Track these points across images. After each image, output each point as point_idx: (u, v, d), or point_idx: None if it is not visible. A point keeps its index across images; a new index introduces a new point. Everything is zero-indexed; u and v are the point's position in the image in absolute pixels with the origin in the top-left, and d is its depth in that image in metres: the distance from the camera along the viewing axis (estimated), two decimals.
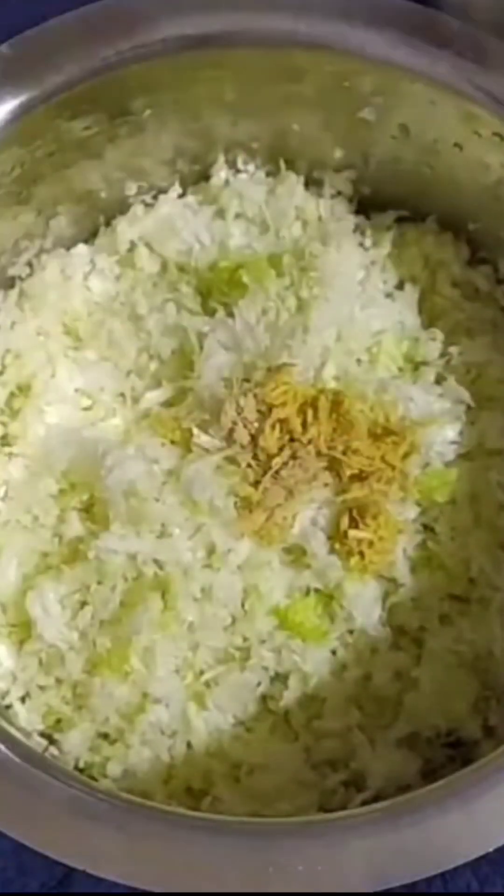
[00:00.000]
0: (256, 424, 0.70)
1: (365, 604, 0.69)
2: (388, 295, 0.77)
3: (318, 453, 0.69)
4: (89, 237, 0.80)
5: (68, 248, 0.79)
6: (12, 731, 0.62)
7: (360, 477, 0.70)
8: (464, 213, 0.77)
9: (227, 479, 0.69)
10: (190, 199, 0.80)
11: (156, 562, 0.68)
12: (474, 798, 0.56)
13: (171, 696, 0.67)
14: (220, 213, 0.79)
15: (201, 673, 0.68)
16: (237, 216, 0.78)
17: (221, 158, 0.79)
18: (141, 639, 0.66)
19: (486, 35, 0.69)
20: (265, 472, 0.69)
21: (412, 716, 0.68)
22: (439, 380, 0.75)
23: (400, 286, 0.78)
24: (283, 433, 0.70)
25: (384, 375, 0.75)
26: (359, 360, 0.75)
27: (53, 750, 0.67)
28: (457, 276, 0.79)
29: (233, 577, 0.68)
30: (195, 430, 0.70)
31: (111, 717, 0.67)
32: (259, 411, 0.70)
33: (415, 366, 0.76)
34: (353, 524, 0.69)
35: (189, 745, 0.68)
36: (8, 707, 0.68)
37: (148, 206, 0.79)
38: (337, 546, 0.69)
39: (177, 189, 0.80)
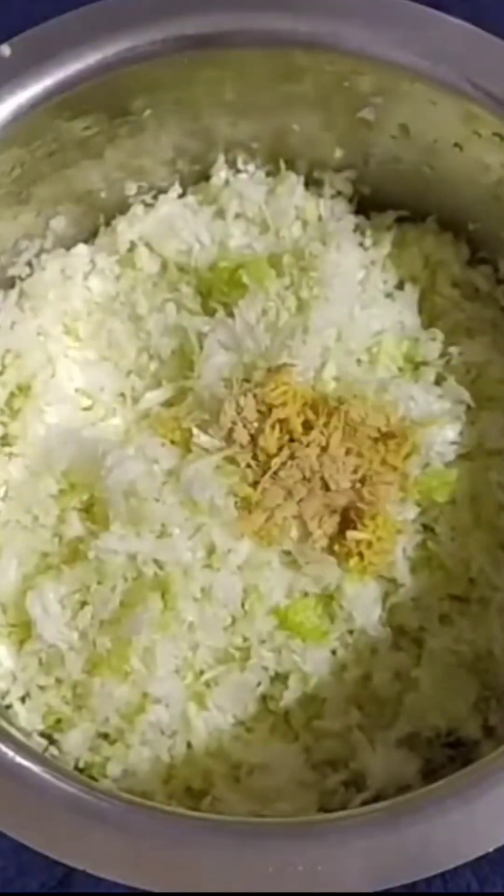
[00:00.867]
0: (256, 424, 0.70)
1: (365, 604, 0.70)
2: (388, 295, 0.77)
3: (318, 454, 0.69)
4: (89, 237, 0.80)
5: (68, 248, 0.79)
6: (12, 731, 0.62)
7: (360, 479, 0.70)
8: (464, 213, 0.77)
9: (226, 479, 0.69)
10: (190, 199, 0.80)
11: (156, 562, 0.68)
12: (474, 798, 0.56)
13: (171, 696, 0.67)
14: (220, 213, 0.79)
15: (201, 673, 0.68)
16: (237, 216, 0.78)
17: (221, 158, 0.79)
18: (141, 639, 0.66)
19: (486, 35, 0.69)
20: (265, 473, 0.69)
21: (412, 716, 0.68)
22: (439, 380, 0.75)
23: (400, 286, 0.78)
24: (282, 433, 0.70)
25: (384, 375, 0.75)
26: (359, 361, 0.75)
27: (53, 750, 0.67)
28: (457, 276, 0.79)
29: (233, 577, 0.68)
30: (195, 430, 0.70)
31: (111, 717, 0.67)
32: (259, 411, 0.70)
33: (415, 366, 0.76)
34: (352, 525, 0.69)
35: (189, 745, 0.68)
36: (8, 707, 0.68)
37: (148, 206, 0.79)
38: (336, 547, 0.69)
39: (177, 189, 0.80)
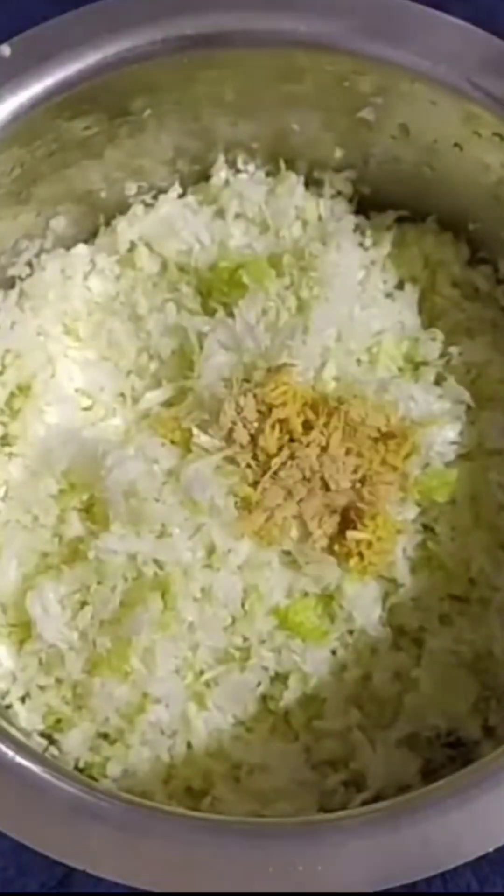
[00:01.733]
0: (256, 424, 0.70)
1: (365, 604, 0.70)
2: (388, 295, 0.78)
3: (318, 454, 0.69)
4: (89, 237, 0.80)
5: (68, 248, 0.79)
6: (12, 731, 0.62)
7: (360, 479, 0.70)
8: (464, 213, 0.77)
9: (226, 479, 0.69)
10: (190, 199, 0.80)
11: (156, 562, 0.68)
12: (474, 798, 0.56)
13: (171, 696, 0.67)
14: (220, 213, 0.79)
15: (201, 673, 0.68)
16: (237, 216, 0.79)
17: (221, 158, 0.79)
18: (141, 639, 0.66)
19: (486, 35, 0.69)
20: (265, 473, 0.69)
21: (412, 716, 0.68)
22: (439, 380, 0.75)
23: (400, 286, 0.78)
24: (282, 433, 0.70)
25: (384, 375, 0.75)
26: (359, 361, 0.75)
27: (53, 750, 0.67)
28: (457, 276, 0.79)
29: (233, 577, 0.68)
30: (195, 430, 0.70)
31: (111, 717, 0.67)
32: (259, 411, 0.70)
33: (415, 366, 0.76)
34: (352, 525, 0.69)
35: (189, 745, 0.68)
36: (8, 707, 0.68)
37: (148, 206, 0.79)
38: (336, 547, 0.69)
39: (177, 189, 0.80)
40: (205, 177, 0.80)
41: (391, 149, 0.75)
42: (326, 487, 0.69)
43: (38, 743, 0.67)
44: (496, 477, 0.72)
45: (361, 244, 0.78)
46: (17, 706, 0.68)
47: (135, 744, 0.67)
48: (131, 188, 0.79)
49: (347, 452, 0.70)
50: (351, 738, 0.68)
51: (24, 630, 0.70)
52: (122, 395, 0.76)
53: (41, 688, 0.68)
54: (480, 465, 0.73)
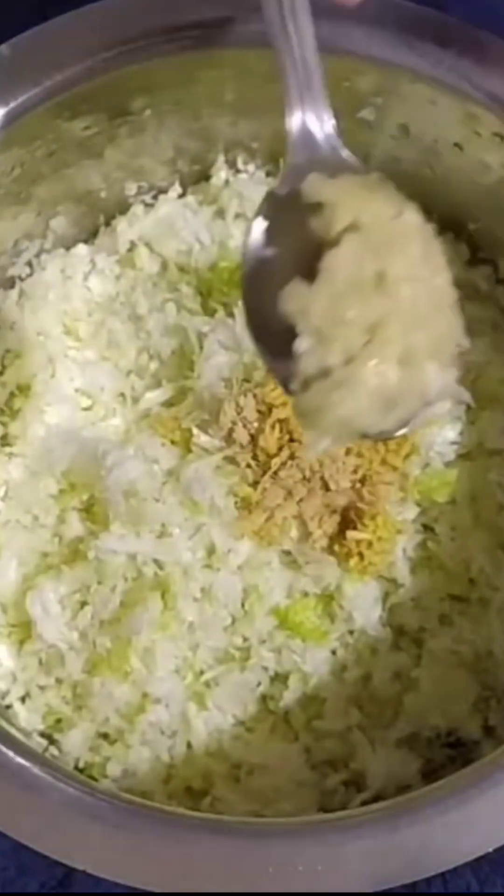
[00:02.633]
0: (256, 424, 0.70)
1: (365, 604, 0.70)
2: None
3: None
4: (89, 237, 0.80)
5: (68, 248, 0.79)
6: (12, 731, 0.62)
7: (360, 479, 0.70)
8: (464, 213, 0.77)
9: (226, 479, 0.69)
10: (190, 199, 0.80)
11: (156, 562, 0.68)
12: (474, 798, 0.56)
13: (171, 696, 0.67)
14: (220, 213, 0.79)
15: (201, 673, 0.68)
16: (237, 216, 0.78)
17: (221, 158, 0.79)
18: (141, 639, 0.66)
19: (486, 35, 0.69)
20: (265, 473, 0.69)
21: (412, 716, 0.68)
22: None
23: None
24: (282, 433, 0.70)
25: None
26: None
27: (53, 750, 0.67)
28: (457, 276, 0.78)
29: (233, 577, 0.68)
30: (195, 430, 0.70)
31: (111, 717, 0.67)
32: (259, 411, 0.70)
33: None
34: (352, 525, 0.69)
35: (189, 745, 0.68)
36: (8, 707, 0.68)
37: (148, 206, 0.79)
38: (336, 547, 0.69)
39: (177, 189, 0.80)
40: (205, 177, 0.80)
41: (391, 149, 0.75)
42: (326, 487, 0.69)
43: (38, 743, 0.67)
44: (496, 477, 0.72)
45: None
46: (17, 706, 0.68)
47: (135, 744, 0.67)
48: (131, 188, 0.79)
49: (347, 452, 0.70)
50: (351, 738, 0.68)
51: (24, 630, 0.70)
52: (122, 395, 0.76)
53: (41, 688, 0.68)
54: (480, 465, 0.73)
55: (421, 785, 0.65)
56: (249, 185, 0.79)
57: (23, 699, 0.69)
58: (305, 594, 0.70)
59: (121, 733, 0.67)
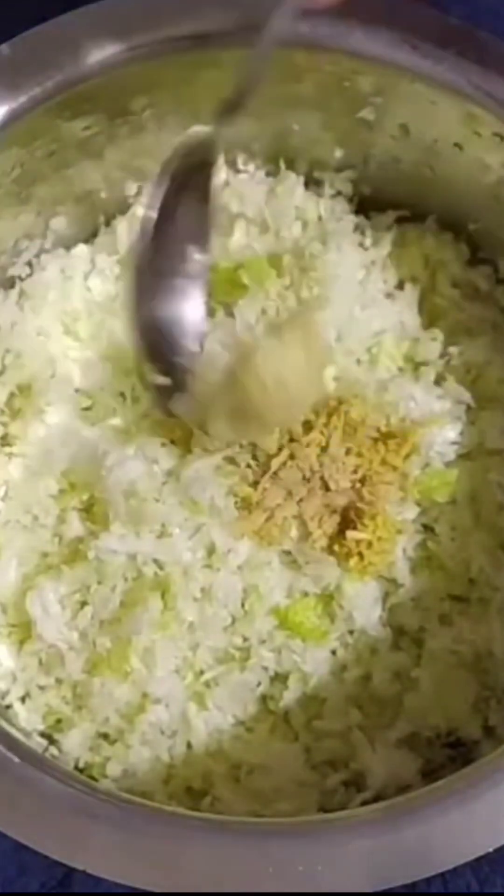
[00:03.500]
0: None
1: (365, 604, 0.70)
2: (389, 295, 0.77)
3: (318, 454, 0.69)
4: (89, 237, 0.80)
5: (68, 248, 0.79)
6: (12, 731, 0.62)
7: (360, 479, 0.70)
8: (464, 213, 0.77)
9: (226, 479, 0.69)
10: None
11: (156, 562, 0.68)
12: (474, 798, 0.56)
13: (171, 696, 0.67)
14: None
15: (201, 673, 0.68)
16: (237, 216, 0.78)
17: (221, 158, 0.79)
18: (141, 639, 0.66)
19: (486, 35, 0.69)
20: (265, 473, 0.69)
21: (412, 716, 0.68)
22: (439, 380, 0.75)
23: (400, 286, 0.78)
24: (282, 433, 0.70)
25: (384, 376, 0.75)
26: (359, 361, 0.75)
27: (53, 750, 0.67)
28: (457, 276, 0.79)
29: (233, 577, 0.68)
30: (195, 430, 0.70)
31: (111, 717, 0.67)
32: None
33: (415, 366, 0.76)
34: (352, 525, 0.69)
35: (189, 745, 0.68)
36: (8, 707, 0.68)
37: None
38: (336, 547, 0.69)
39: None
40: None
41: (391, 149, 0.75)
42: (326, 487, 0.69)
43: (38, 743, 0.67)
44: (496, 477, 0.72)
45: (361, 244, 0.78)
46: (17, 706, 0.68)
47: (135, 744, 0.67)
48: (131, 188, 0.78)
49: (347, 452, 0.70)
50: (351, 738, 0.68)
51: (24, 630, 0.70)
52: (122, 395, 0.76)
53: (41, 688, 0.68)
54: (480, 465, 0.73)
55: (421, 785, 0.65)
56: (249, 185, 0.79)
57: (23, 699, 0.69)
58: (305, 594, 0.70)
59: (121, 733, 0.67)
